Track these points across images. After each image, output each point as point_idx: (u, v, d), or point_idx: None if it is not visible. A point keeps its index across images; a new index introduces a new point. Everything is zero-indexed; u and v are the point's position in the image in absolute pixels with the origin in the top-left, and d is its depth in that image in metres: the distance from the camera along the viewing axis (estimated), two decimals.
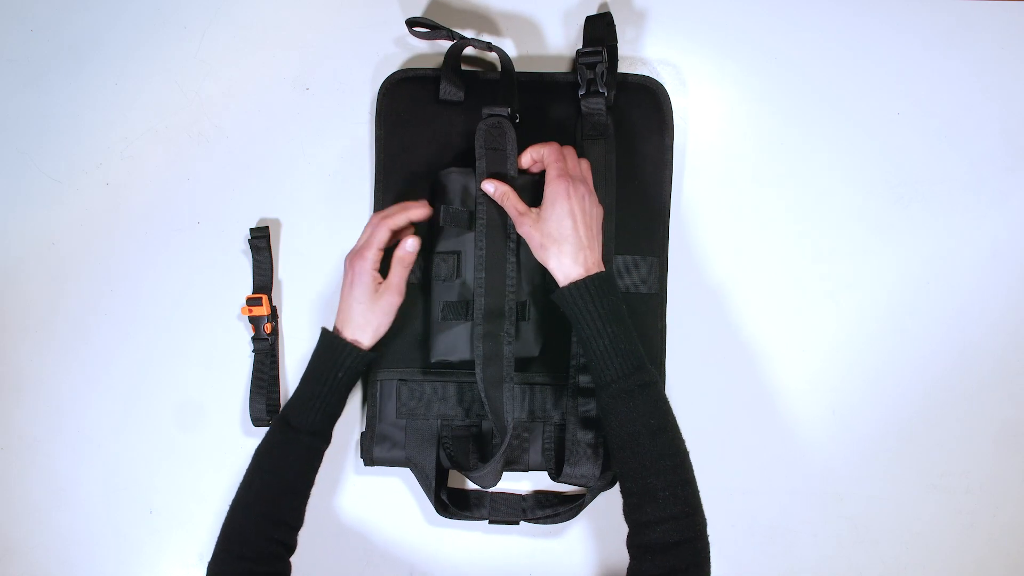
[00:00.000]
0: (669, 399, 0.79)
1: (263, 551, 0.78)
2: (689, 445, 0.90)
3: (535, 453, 0.87)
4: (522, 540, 0.91)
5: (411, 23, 0.87)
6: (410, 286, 0.87)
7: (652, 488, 0.72)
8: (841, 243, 0.91)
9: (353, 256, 0.81)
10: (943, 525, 0.91)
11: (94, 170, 0.92)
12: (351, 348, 0.80)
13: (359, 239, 0.83)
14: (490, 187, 0.81)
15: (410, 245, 0.82)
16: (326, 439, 0.82)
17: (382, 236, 0.81)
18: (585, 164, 0.81)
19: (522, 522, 0.88)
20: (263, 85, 0.92)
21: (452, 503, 0.87)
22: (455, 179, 0.85)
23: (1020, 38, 0.92)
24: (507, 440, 0.79)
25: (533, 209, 0.79)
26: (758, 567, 0.91)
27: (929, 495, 0.91)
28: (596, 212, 0.79)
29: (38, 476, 0.91)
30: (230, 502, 0.80)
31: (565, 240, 0.76)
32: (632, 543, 0.73)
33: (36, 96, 0.92)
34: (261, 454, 0.80)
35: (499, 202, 0.81)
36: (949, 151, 0.92)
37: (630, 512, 0.74)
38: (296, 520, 0.80)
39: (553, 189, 0.77)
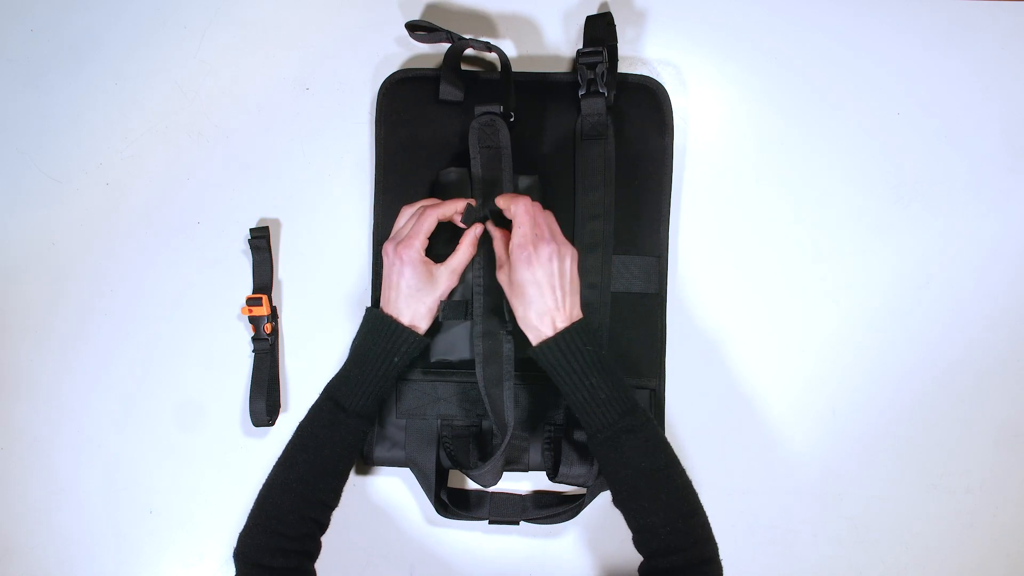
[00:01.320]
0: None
1: (298, 528, 0.77)
2: (689, 446, 0.90)
3: (535, 453, 0.87)
4: (522, 540, 0.91)
5: (411, 26, 0.87)
6: None
7: (652, 525, 0.74)
8: (841, 243, 0.91)
9: (400, 245, 0.79)
10: (943, 525, 0.91)
11: (94, 170, 0.92)
12: (410, 334, 0.79)
13: (400, 228, 0.81)
14: (502, 202, 0.80)
15: (478, 229, 0.81)
16: (373, 421, 0.82)
17: (431, 225, 0.80)
18: (550, 216, 0.80)
19: (522, 522, 0.88)
20: (263, 85, 0.92)
21: (452, 503, 0.87)
22: (454, 179, 0.85)
23: (1020, 38, 0.92)
24: (508, 438, 0.79)
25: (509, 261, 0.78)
26: (758, 567, 0.91)
27: (929, 495, 0.91)
28: (566, 267, 0.77)
29: (38, 476, 0.91)
30: (267, 474, 0.79)
31: (530, 304, 0.76)
32: (643, 569, 0.75)
33: (36, 96, 0.92)
34: (305, 432, 0.80)
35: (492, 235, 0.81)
36: (949, 151, 0.92)
37: (637, 545, 0.76)
38: (333, 500, 0.80)
39: (515, 256, 0.76)
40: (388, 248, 0.80)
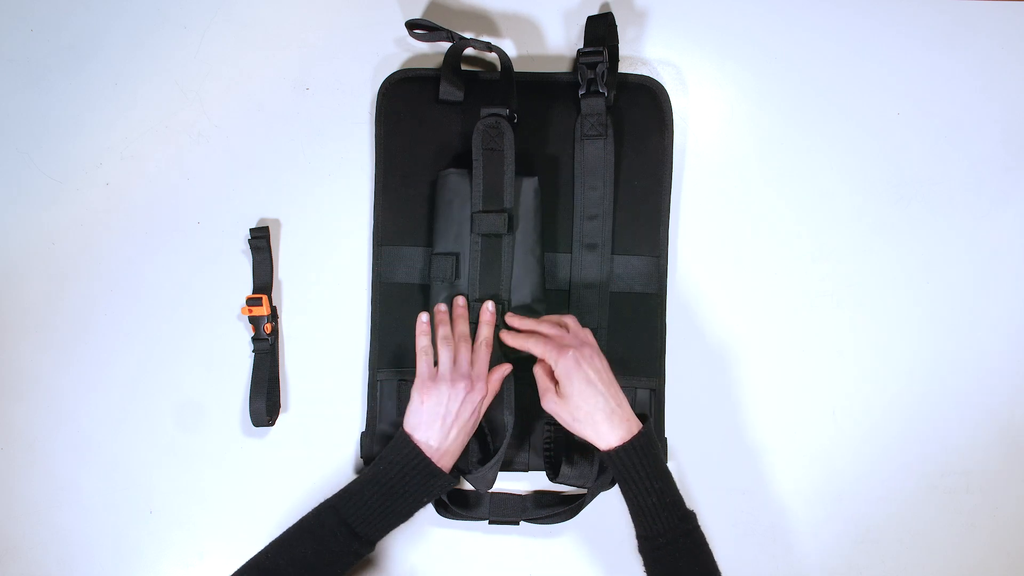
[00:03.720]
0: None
1: None
2: (689, 446, 0.90)
3: (535, 453, 0.87)
4: (522, 540, 0.91)
5: (411, 25, 0.87)
6: (411, 287, 0.88)
7: None
8: (841, 243, 0.91)
9: (478, 381, 0.79)
10: (943, 525, 0.91)
11: (94, 170, 0.92)
12: (447, 479, 0.79)
13: (452, 360, 0.80)
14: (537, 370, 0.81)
15: (508, 369, 0.82)
16: (374, 546, 0.80)
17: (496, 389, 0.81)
18: (571, 320, 0.81)
19: (522, 522, 0.88)
20: (263, 85, 0.92)
21: (452, 503, 0.87)
22: (454, 181, 0.85)
23: (1020, 38, 0.92)
24: (505, 444, 0.79)
25: (553, 385, 0.79)
26: (758, 567, 0.91)
27: (929, 495, 0.91)
28: (605, 364, 0.78)
29: (38, 476, 0.91)
30: (244, 569, 0.78)
31: (594, 410, 0.76)
32: None
33: (36, 96, 0.92)
34: (310, 549, 0.77)
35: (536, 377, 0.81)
36: (949, 151, 0.92)
37: None
38: None
39: (563, 366, 0.76)
40: (457, 379, 0.79)
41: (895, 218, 0.91)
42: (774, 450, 0.91)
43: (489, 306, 0.82)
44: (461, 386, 0.78)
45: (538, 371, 0.80)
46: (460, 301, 0.83)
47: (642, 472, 0.75)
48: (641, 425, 0.77)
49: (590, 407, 0.76)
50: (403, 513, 0.79)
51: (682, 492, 0.78)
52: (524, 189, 0.85)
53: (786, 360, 0.91)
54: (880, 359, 0.91)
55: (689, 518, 0.77)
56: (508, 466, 0.87)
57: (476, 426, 0.81)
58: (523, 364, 0.85)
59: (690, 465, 0.89)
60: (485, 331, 0.81)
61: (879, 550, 0.91)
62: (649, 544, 0.76)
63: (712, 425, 0.90)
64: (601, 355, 0.79)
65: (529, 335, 0.80)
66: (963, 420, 0.91)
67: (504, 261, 0.83)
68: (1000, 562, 0.91)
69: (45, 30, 0.93)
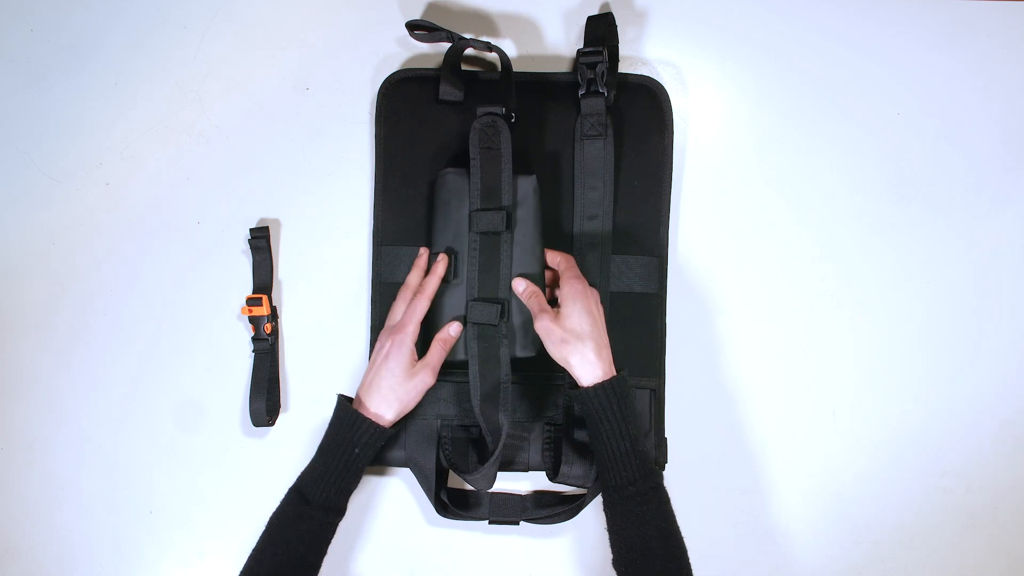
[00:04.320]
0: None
1: None
2: (689, 446, 0.90)
3: (534, 453, 0.87)
4: (522, 540, 0.91)
5: (411, 26, 0.87)
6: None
7: None
8: (841, 243, 0.91)
9: (393, 331, 0.81)
10: (943, 525, 0.91)
11: (94, 170, 0.92)
12: (369, 424, 0.78)
13: (391, 315, 0.84)
14: (520, 286, 0.82)
15: (454, 330, 0.83)
16: (340, 512, 0.79)
17: (423, 309, 0.82)
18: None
19: (522, 522, 0.88)
20: (263, 85, 0.92)
21: (452, 503, 0.87)
22: (452, 180, 0.85)
23: (1020, 38, 0.92)
24: (501, 444, 0.79)
25: (554, 308, 0.80)
26: (758, 567, 0.91)
27: (929, 495, 0.91)
28: (603, 314, 0.81)
29: (38, 476, 0.91)
30: (240, 571, 0.78)
31: (587, 336, 0.77)
32: None
33: (36, 96, 0.92)
34: (274, 526, 0.78)
35: (524, 301, 0.82)
36: (949, 151, 0.92)
37: None
38: None
39: (572, 288, 0.79)
40: (382, 334, 0.83)
41: (895, 218, 0.91)
42: (774, 450, 0.91)
43: (442, 257, 0.84)
44: (383, 334, 0.83)
45: (528, 300, 0.81)
46: (423, 251, 0.85)
47: (618, 414, 0.75)
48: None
49: (584, 331, 0.77)
50: (341, 470, 0.78)
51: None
52: (523, 188, 0.85)
53: (786, 360, 0.91)
54: (880, 359, 0.91)
55: (657, 473, 0.77)
56: (508, 466, 0.87)
57: (407, 375, 0.80)
58: (525, 363, 0.85)
59: (690, 465, 0.89)
60: (429, 281, 0.83)
61: (879, 550, 0.91)
62: (618, 494, 0.75)
63: (712, 425, 0.90)
64: (601, 308, 0.81)
65: (560, 253, 0.84)
66: (963, 420, 0.91)
67: (503, 259, 0.83)
68: (1000, 562, 0.91)
69: (45, 30, 0.93)
